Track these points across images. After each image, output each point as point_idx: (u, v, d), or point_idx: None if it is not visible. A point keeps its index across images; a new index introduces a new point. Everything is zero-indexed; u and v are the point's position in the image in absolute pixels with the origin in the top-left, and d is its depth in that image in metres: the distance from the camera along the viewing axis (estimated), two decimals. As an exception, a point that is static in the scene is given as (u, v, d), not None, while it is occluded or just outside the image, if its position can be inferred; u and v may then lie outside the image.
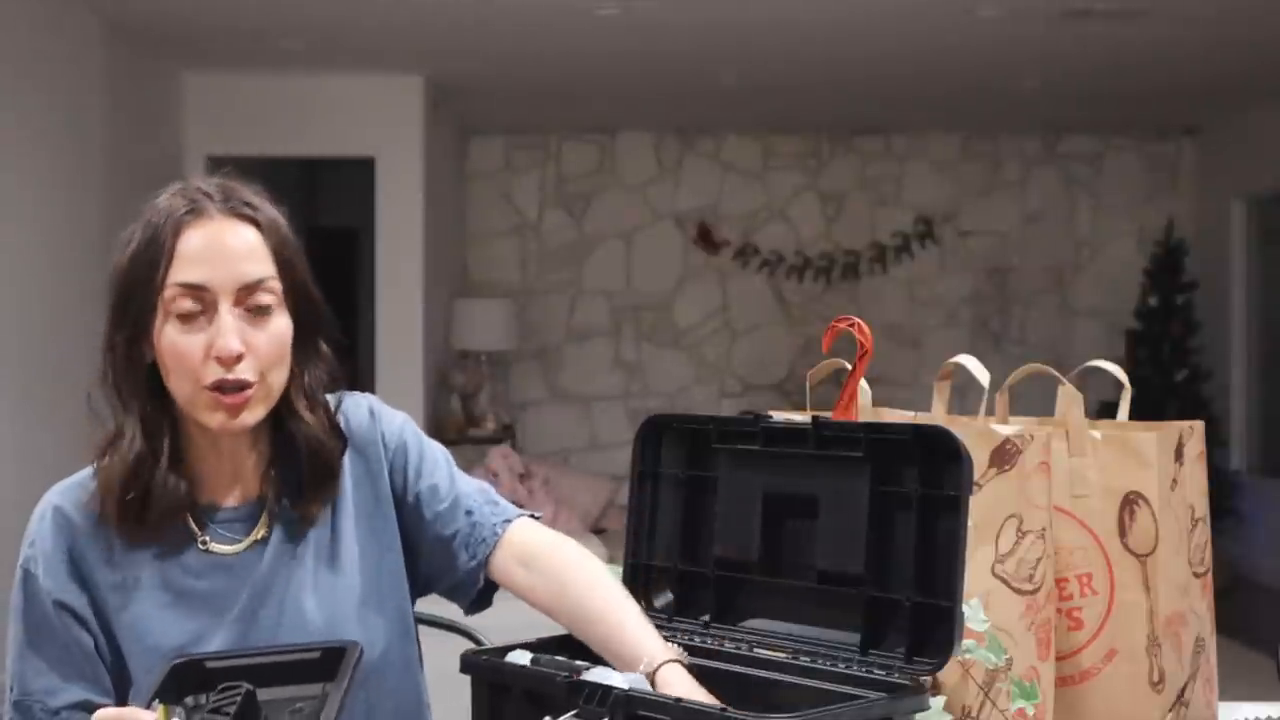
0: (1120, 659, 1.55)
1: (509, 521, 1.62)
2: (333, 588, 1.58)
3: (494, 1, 5.85)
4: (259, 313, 1.50)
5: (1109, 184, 8.92)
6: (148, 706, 1.34)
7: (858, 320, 1.52)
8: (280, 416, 1.56)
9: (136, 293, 1.50)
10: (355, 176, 7.46)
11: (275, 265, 1.52)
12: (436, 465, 1.66)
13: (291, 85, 7.21)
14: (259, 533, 1.57)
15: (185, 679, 1.39)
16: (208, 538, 1.55)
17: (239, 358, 1.48)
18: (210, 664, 1.41)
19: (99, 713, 1.34)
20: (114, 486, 1.51)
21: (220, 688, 1.35)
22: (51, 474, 1.69)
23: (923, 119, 8.56)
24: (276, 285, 1.52)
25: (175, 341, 1.48)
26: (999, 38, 6.39)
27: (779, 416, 1.47)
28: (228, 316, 1.48)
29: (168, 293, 1.48)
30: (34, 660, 1.51)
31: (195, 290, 1.48)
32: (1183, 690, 1.58)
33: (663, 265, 8.88)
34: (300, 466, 1.58)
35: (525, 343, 8.60)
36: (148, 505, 1.51)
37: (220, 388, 1.48)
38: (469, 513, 1.63)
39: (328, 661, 1.39)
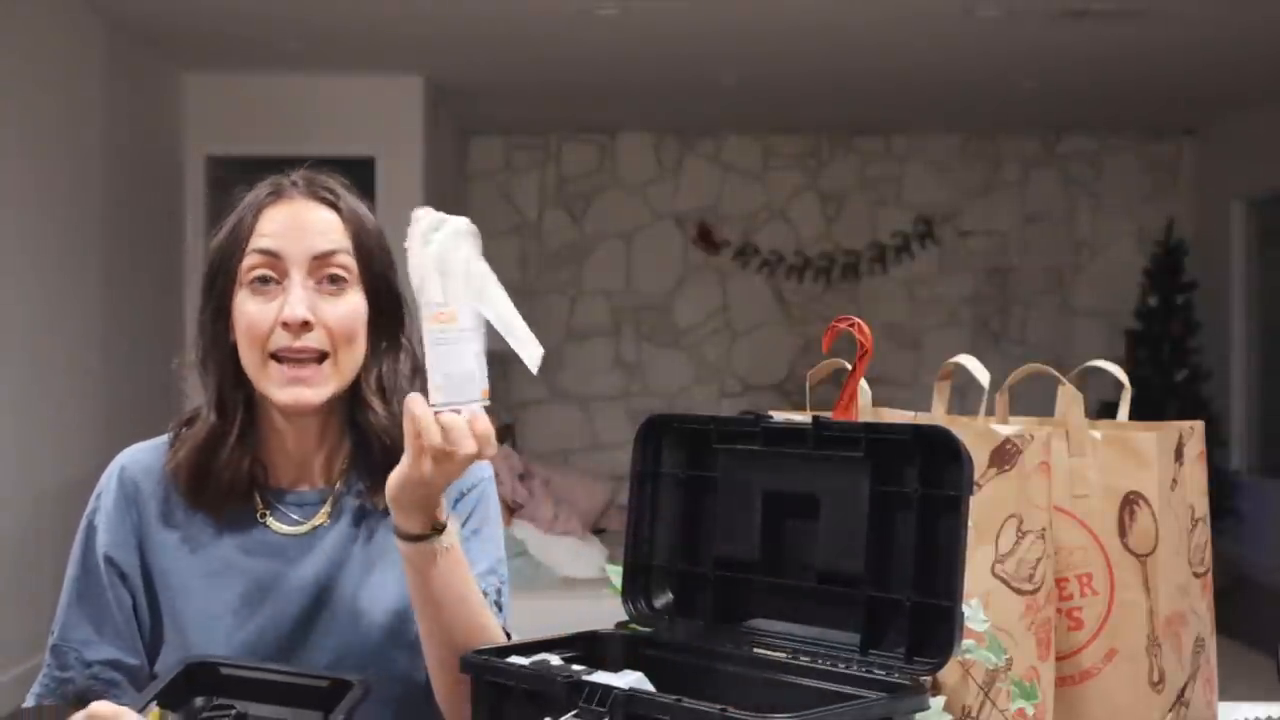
0: (1120, 659, 1.55)
1: None
2: (391, 592, 1.57)
3: (494, 1, 5.85)
4: (332, 285, 1.52)
5: (1109, 184, 8.92)
6: (143, 708, 1.34)
7: (858, 320, 1.52)
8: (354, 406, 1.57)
9: (221, 269, 1.53)
10: (355, 176, 7.46)
11: (352, 246, 1.54)
12: (485, 545, 1.62)
13: (291, 85, 7.21)
14: (319, 520, 1.58)
15: (197, 680, 1.40)
16: (269, 516, 1.57)
17: (305, 324, 1.49)
18: (224, 669, 1.41)
19: (93, 705, 1.34)
20: (186, 459, 1.54)
21: (213, 704, 1.37)
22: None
23: (923, 119, 8.56)
24: (350, 262, 1.53)
25: (247, 309, 1.51)
26: (999, 38, 6.39)
27: (779, 416, 1.47)
28: (299, 286, 1.50)
29: (245, 262, 1.51)
30: (78, 610, 1.55)
31: (269, 257, 1.51)
32: (1183, 690, 1.58)
33: (663, 265, 8.88)
34: (372, 461, 1.58)
35: (525, 343, 8.60)
36: (211, 480, 1.54)
37: (282, 356, 1.49)
38: None
39: (333, 693, 1.39)
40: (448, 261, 1.36)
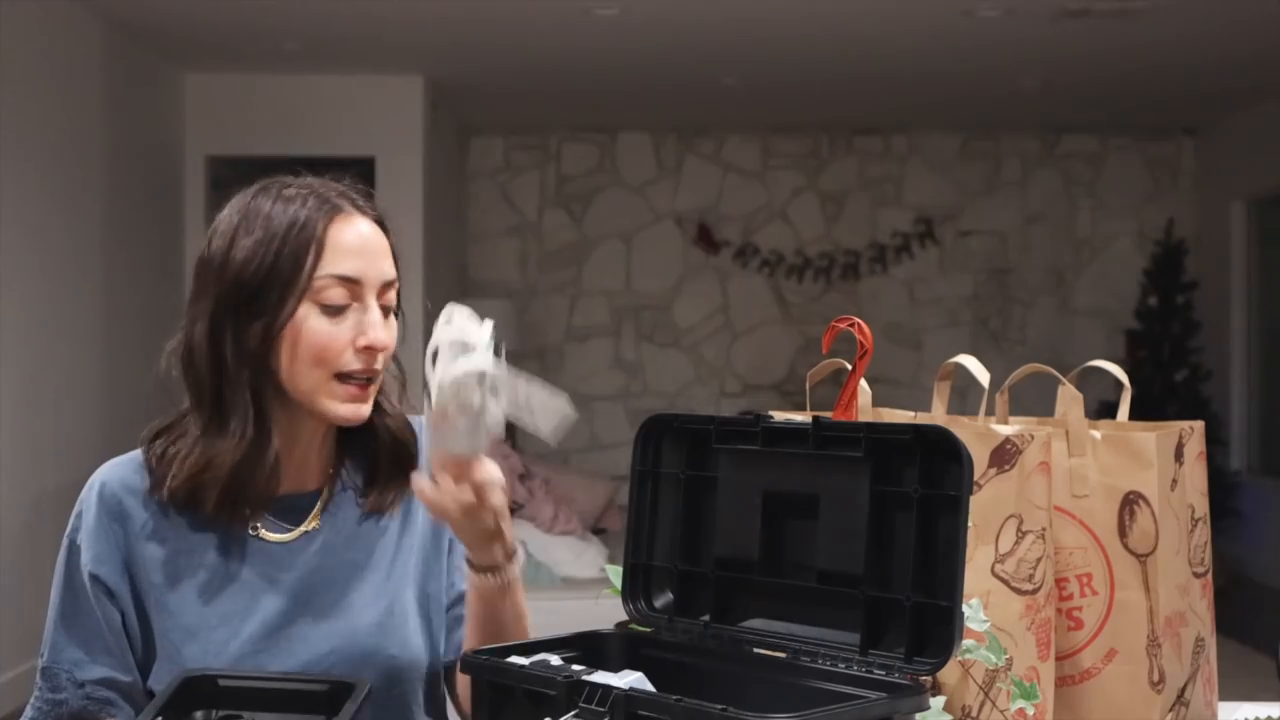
0: (1120, 659, 1.55)
1: None
2: (385, 592, 1.58)
3: (494, 1, 5.85)
4: (388, 310, 1.56)
5: (1109, 184, 8.92)
6: None
7: (858, 320, 1.52)
8: None
9: (277, 282, 1.50)
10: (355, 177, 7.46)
11: (395, 265, 1.58)
12: None
13: (291, 85, 7.21)
14: (310, 524, 1.58)
15: (196, 692, 1.39)
16: (259, 524, 1.56)
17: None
18: (223, 681, 1.41)
19: None
20: (223, 472, 1.51)
21: (215, 717, 1.37)
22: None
23: (923, 119, 8.56)
24: (398, 286, 1.58)
25: (320, 330, 1.50)
26: (999, 38, 6.39)
27: (779, 416, 1.47)
28: (377, 310, 1.52)
29: (319, 283, 1.50)
30: (66, 630, 1.54)
31: (349, 283, 1.51)
32: (1183, 690, 1.58)
33: (663, 265, 8.88)
34: (370, 461, 1.60)
35: (525, 343, 8.60)
36: (248, 491, 1.53)
37: (353, 377, 1.52)
38: None
39: (334, 696, 1.39)
40: (454, 386, 1.40)
